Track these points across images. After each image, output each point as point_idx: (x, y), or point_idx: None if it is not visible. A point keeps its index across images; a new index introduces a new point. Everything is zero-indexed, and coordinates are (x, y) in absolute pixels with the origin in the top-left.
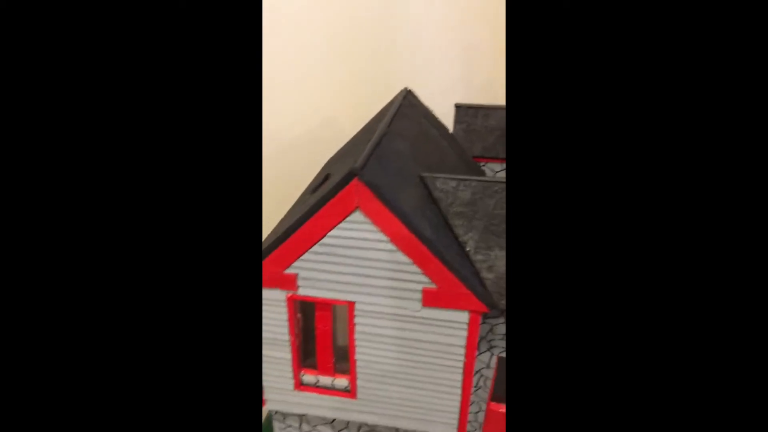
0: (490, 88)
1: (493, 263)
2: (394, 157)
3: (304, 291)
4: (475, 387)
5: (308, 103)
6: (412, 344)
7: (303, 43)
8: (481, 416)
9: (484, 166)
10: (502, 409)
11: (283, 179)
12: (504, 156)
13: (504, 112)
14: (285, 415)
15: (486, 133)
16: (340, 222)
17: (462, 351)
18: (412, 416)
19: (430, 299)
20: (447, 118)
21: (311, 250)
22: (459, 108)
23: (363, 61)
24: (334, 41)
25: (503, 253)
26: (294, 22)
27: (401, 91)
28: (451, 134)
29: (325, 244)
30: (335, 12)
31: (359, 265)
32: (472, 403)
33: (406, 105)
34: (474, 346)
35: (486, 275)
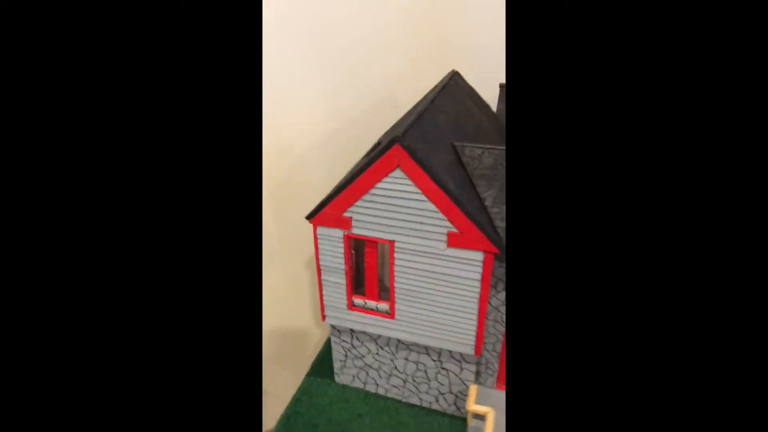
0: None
1: (506, 216)
2: (432, 129)
3: (357, 231)
4: (494, 320)
5: (373, 82)
6: (439, 277)
7: (375, 25)
8: (498, 347)
9: None
10: None
11: (352, 149)
12: None
13: None
14: (340, 331)
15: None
16: (384, 177)
17: (478, 284)
18: (439, 336)
19: (453, 241)
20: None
21: (362, 198)
22: (504, 88)
23: (420, 45)
24: (396, 27)
25: None
26: (363, 6)
27: (449, 73)
28: (493, 112)
29: (373, 194)
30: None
31: (398, 212)
32: (491, 335)
33: (452, 85)
34: (488, 280)
35: (499, 224)
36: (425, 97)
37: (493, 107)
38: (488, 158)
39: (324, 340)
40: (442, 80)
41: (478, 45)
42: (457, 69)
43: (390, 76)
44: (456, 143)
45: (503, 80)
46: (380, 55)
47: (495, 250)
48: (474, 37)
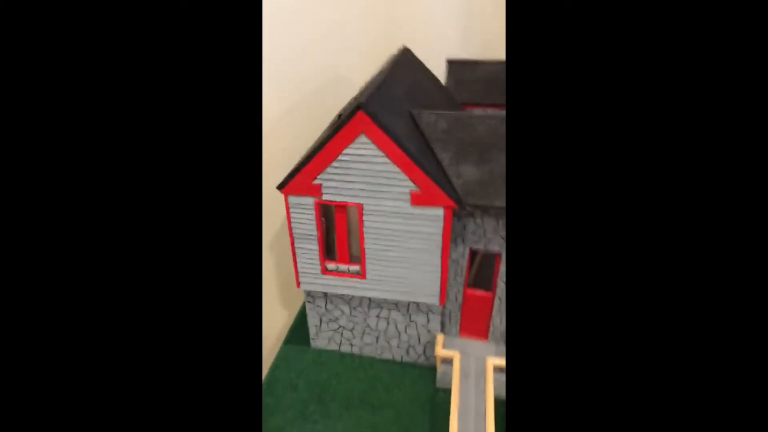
0: (488, 46)
1: (461, 174)
2: (390, 98)
3: (327, 197)
4: (454, 273)
5: (324, 62)
6: (404, 234)
7: (323, 8)
8: (459, 297)
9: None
10: (474, 292)
11: (307, 125)
12: (487, 102)
13: (488, 65)
14: (314, 297)
15: (472, 83)
16: (350, 143)
17: (440, 239)
18: (407, 290)
19: (416, 199)
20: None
21: (331, 165)
22: (450, 63)
23: (372, 27)
24: (347, 8)
25: (468, 166)
26: None
27: (400, 49)
28: (442, 84)
29: (340, 161)
30: None
31: (365, 176)
32: (452, 287)
33: (404, 60)
34: (448, 234)
35: (456, 182)
36: (380, 70)
37: (442, 80)
38: (442, 123)
39: (287, 323)
40: (394, 55)
41: (427, 24)
42: (407, 47)
43: (343, 57)
44: (413, 111)
45: (450, 56)
46: (333, 36)
47: (454, 205)
48: (422, 17)
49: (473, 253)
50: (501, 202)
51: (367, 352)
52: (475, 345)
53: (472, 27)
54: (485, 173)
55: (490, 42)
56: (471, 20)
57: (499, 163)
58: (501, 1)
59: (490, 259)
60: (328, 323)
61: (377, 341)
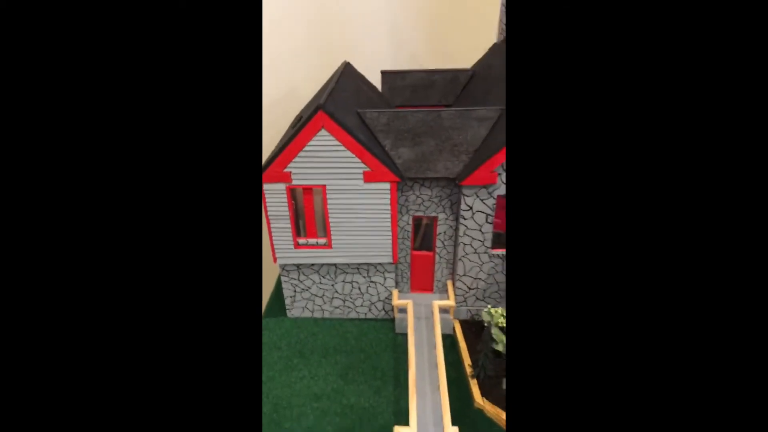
0: (414, 58)
1: (400, 155)
2: (341, 101)
3: (296, 182)
4: (402, 238)
5: (277, 77)
6: (361, 207)
7: (273, 31)
8: (408, 259)
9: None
10: (419, 253)
11: (269, 129)
12: (415, 104)
13: (415, 74)
14: (288, 271)
15: (402, 89)
16: (313, 137)
17: (388, 208)
18: (366, 254)
19: (368, 177)
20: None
21: (298, 155)
22: (384, 73)
23: (314, 46)
24: (294, 33)
25: (405, 149)
26: (267, 15)
27: (342, 63)
28: (378, 91)
29: (306, 151)
30: (298, 8)
31: (326, 162)
32: (401, 249)
33: (347, 72)
34: (395, 203)
35: (397, 162)
36: (329, 80)
37: (379, 88)
38: (383, 118)
39: (264, 299)
40: (338, 69)
41: (362, 43)
42: (348, 61)
43: (293, 74)
44: (359, 110)
45: (384, 68)
46: (282, 55)
47: (397, 179)
48: (359, 37)
49: (417, 222)
50: (432, 173)
51: (337, 314)
52: (424, 296)
53: (401, 42)
54: (418, 153)
55: (415, 55)
56: (399, 36)
57: (428, 145)
58: (424, 20)
59: (430, 228)
60: (301, 293)
61: (344, 303)
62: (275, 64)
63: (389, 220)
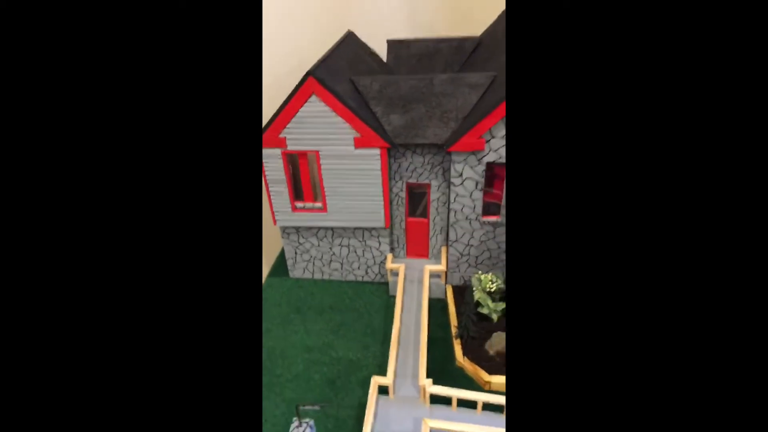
0: (431, 27)
1: (391, 122)
2: (335, 68)
3: (291, 147)
4: (396, 204)
5: (292, 48)
6: (353, 172)
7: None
8: (403, 224)
9: None
10: (414, 220)
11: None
12: (420, 73)
13: (420, 43)
14: (289, 233)
15: (408, 58)
16: (304, 103)
17: (379, 173)
18: (359, 218)
19: (358, 143)
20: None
21: (291, 121)
22: (390, 42)
23: (325, 15)
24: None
25: (395, 116)
26: None
27: (345, 33)
28: (381, 59)
29: (298, 117)
30: None
31: (318, 128)
32: (396, 216)
33: (347, 41)
34: (386, 169)
35: (387, 128)
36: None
37: (384, 57)
38: (375, 85)
39: (269, 262)
40: (340, 38)
41: (372, 12)
42: (355, 32)
43: (306, 44)
44: (352, 77)
45: (390, 37)
46: (293, 27)
47: (387, 145)
48: (368, 7)
49: (411, 188)
50: (421, 140)
51: (336, 276)
52: (419, 262)
53: (415, 10)
54: (408, 120)
55: (431, 23)
56: (414, 4)
57: (418, 112)
58: None
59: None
60: (302, 254)
61: (342, 266)
62: (284, 36)
63: (380, 185)
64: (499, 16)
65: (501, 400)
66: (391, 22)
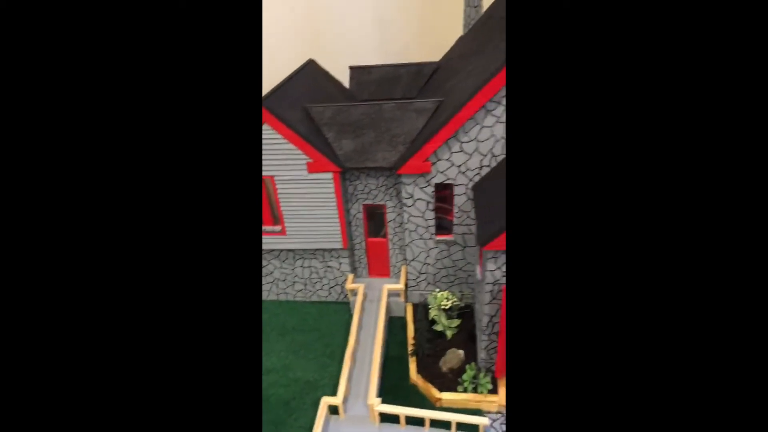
0: (406, 52)
1: (342, 147)
2: (288, 97)
3: None
4: (355, 225)
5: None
6: (308, 196)
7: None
8: (363, 244)
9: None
10: (373, 239)
11: None
12: (380, 98)
13: (380, 69)
14: None
15: (369, 84)
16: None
17: (333, 196)
18: (317, 240)
19: (311, 167)
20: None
21: None
22: (352, 69)
23: (303, 43)
24: (287, 34)
25: (347, 141)
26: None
27: (305, 61)
28: (343, 86)
29: None
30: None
31: (273, 154)
32: (356, 237)
33: (307, 69)
34: (339, 191)
35: (339, 153)
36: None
37: (346, 84)
38: (328, 112)
39: None
40: (299, 67)
41: (347, 37)
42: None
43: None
44: (306, 105)
45: (352, 64)
46: (266, 58)
47: (338, 169)
48: (343, 33)
49: (369, 210)
50: (371, 163)
51: (299, 297)
52: (381, 281)
53: (386, 37)
54: (359, 145)
55: (405, 47)
56: (384, 32)
57: (368, 137)
58: (409, 14)
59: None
60: (264, 276)
61: (305, 287)
62: (265, 67)
63: (335, 207)
64: (456, 41)
65: (447, 416)
66: (363, 50)
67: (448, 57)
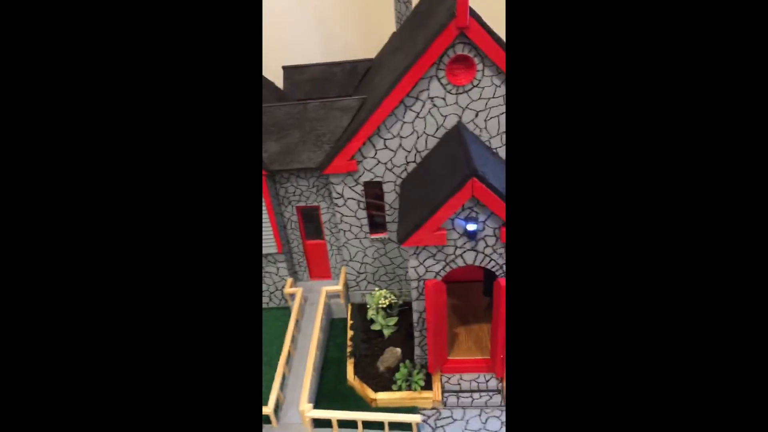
0: (347, 51)
1: (267, 149)
2: None
3: None
4: (291, 229)
5: None
6: None
7: None
8: (301, 247)
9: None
10: (310, 242)
11: None
12: (314, 97)
13: (314, 68)
14: None
15: (303, 83)
16: None
17: (262, 200)
18: None
19: None
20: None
21: None
22: (285, 68)
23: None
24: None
25: (271, 143)
26: None
27: None
28: (275, 86)
29: None
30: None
31: None
32: (293, 240)
33: None
34: (267, 195)
35: (263, 155)
36: None
37: (280, 85)
38: (279, 112)
39: None
40: None
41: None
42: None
43: None
44: None
45: (284, 64)
46: None
47: (264, 172)
48: (284, 32)
49: (304, 212)
50: (296, 165)
51: None
52: (322, 283)
53: (328, 36)
54: (283, 146)
55: (346, 47)
56: (325, 32)
57: (293, 138)
58: (349, 12)
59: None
60: None
61: None
62: None
63: (265, 211)
64: (390, 37)
65: (379, 417)
66: (304, 49)
67: (380, 54)
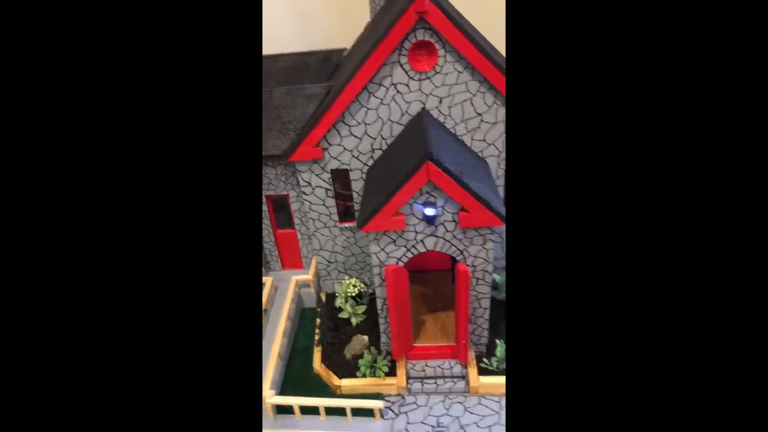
0: (327, 41)
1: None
2: None
3: None
4: (261, 218)
5: None
6: None
7: None
8: (272, 238)
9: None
10: (281, 231)
11: None
12: (287, 85)
13: (287, 57)
14: None
15: (276, 73)
16: None
17: None
18: None
19: None
20: None
21: None
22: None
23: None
24: None
25: None
26: None
27: None
28: None
29: None
30: None
31: None
32: (264, 228)
33: None
34: None
35: None
36: None
37: None
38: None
39: None
40: None
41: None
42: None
43: None
44: None
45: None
46: None
47: None
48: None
49: (274, 200)
50: (262, 152)
51: None
52: (295, 273)
53: (308, 26)
54: None
55: (326, 37)
56: (305, 22)
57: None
58: (329, 3)
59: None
60: None
61: None
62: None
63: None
64: (365, 26)
65: (341, 403)
66: (283, 40)
67: (355, 43)
